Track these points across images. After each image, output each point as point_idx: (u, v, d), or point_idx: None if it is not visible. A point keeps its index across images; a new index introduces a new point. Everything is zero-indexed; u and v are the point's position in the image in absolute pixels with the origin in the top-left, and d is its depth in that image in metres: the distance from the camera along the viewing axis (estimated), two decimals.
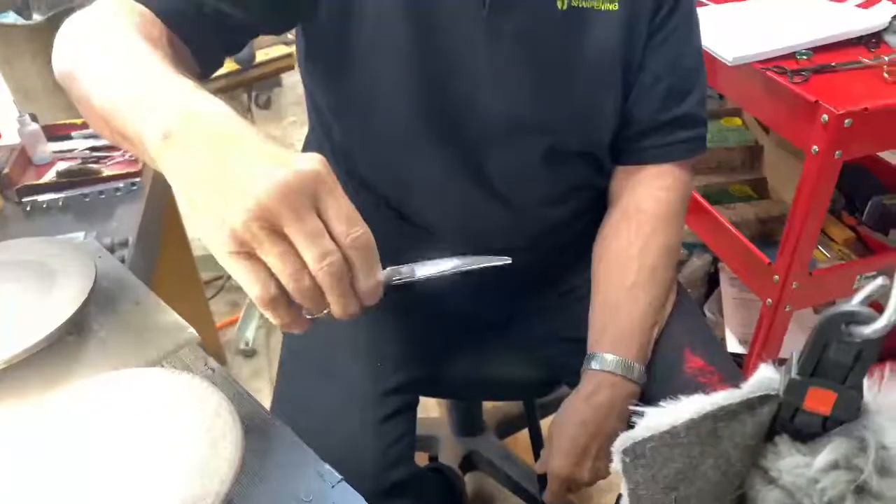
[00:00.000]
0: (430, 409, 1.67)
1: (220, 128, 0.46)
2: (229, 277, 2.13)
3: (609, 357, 0.83)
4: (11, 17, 2.57)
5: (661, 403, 0.43)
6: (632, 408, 0.44)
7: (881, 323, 0.34)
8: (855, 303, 0.35)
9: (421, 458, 1.36)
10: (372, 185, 0.88)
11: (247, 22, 0.70)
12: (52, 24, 2.54)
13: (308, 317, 0.49)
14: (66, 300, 0.58)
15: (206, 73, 0.70)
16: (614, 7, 0.79)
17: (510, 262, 0.56)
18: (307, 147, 1.02)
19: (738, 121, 1.70)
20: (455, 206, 0.87)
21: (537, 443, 1.36)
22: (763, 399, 0.39)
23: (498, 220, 0.88)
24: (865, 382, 0.38)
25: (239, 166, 0.44)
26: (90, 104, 0.55)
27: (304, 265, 0.44)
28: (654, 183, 0.90)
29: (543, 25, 0.78)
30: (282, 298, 0.46)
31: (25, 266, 0.62)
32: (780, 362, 0.41)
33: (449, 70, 0.78)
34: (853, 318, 0.35)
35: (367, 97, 0.80)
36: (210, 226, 0.45)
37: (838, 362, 0.37)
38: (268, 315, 0.47)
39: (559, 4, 0.78)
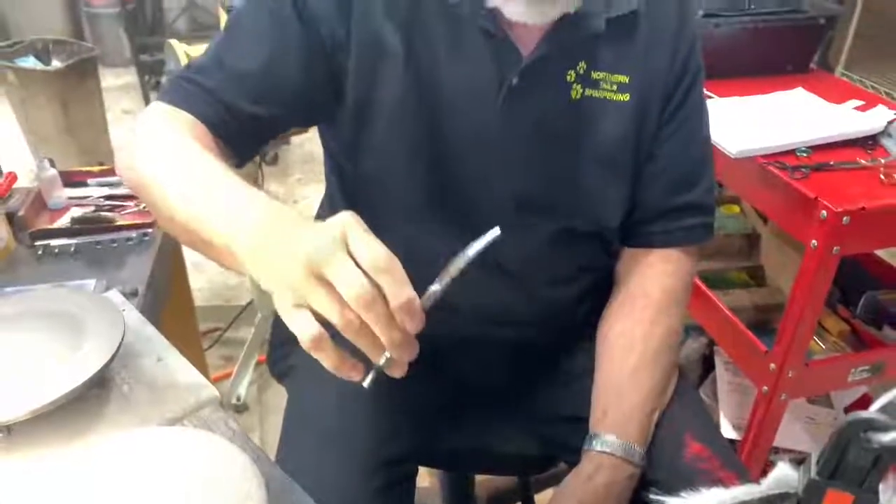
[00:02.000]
0: (421, 478, 1.64)
1: (284, 229, 0.57)
2: (226, 329, 2.12)
3: (610, 438, 0.84)
4: (31, 62, 2.64)
5: (681, 494, 0.44)
6: (652, 496, 0.46)
7: None
8: (874, 410, 0.37)
9: None
10: None
11: (279, 122, 0.80)
12: (70, 71, 2.61)
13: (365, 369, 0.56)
14: (93, 355, 0.60)
15: (242, 162, 0.80)
16: (626, 98, 0.83)
17: (499, 232, 0.62)
18: (321, 216, 1.05)
19: (736, 208, 1.75)
20: (462, 283, 0.89)
21: None
22: (783, 497, 0.41)
23: (505, 297, 0.90)
24: (881, 486, 0.39)
25: (295, 244, 0.54)
26: (171, 217, 0.65)
27: (344, 301, 0.52)
28: (659, 267, 0.92)
29: (557, 113, 0.82)
30: (327, 339, 0.53)
31: (56, 316, 0.63)
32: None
33: (461, 154, 0.82)
34: (872, 426, 0.37)
35: (379, 178, 0.84)
36: (279, 292, 0.54)
37: (857, 466, 0.39)
38: (318, 357, 0.54)
39: (573, 94, 0.82)
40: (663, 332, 0.90)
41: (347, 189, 0.92)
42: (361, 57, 0.79)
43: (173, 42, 1.67)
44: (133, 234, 1.29)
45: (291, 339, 0.98)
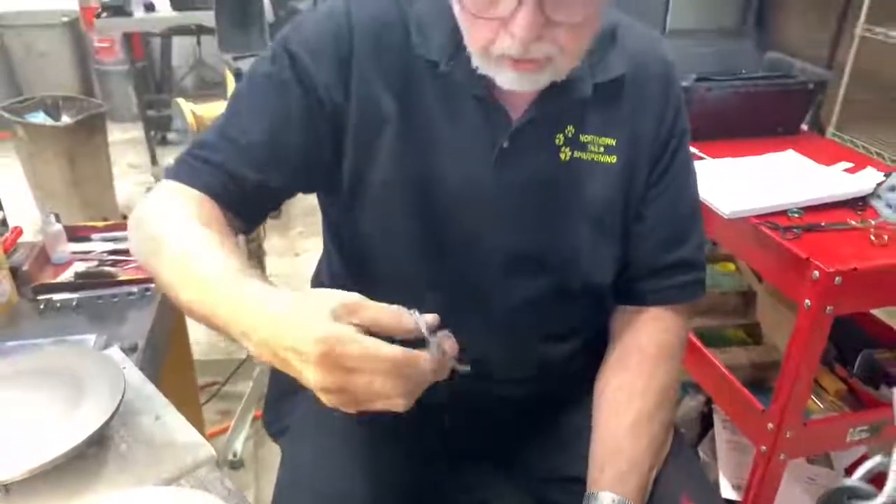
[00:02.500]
0: None
1: (289, 323, 0.60)
2: (224, 383, 2.11)
3: (608, 497, 0.83)
4: (41, 118, 2.70)
5: None
6: None
7: (880, 500, 0.37)
8: (856, 479, 0.38)
9: None
10: None
11: (284, 189, 0.84)
12: (79, 127, 2.67)
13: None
14: (93, 413, 0.60)
15: (250, 229, 0.83)
16: (613, 160, 0.86)
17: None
18: (321, 271, 1.06)
19: (731, 266, 1.76)
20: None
21: None
22: None
23: (498, 354, 0.91)
24: None
25: (306, 336, 0.58)
26: (183, 304, 0.69)
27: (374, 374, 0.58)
28: (654, 324, 0.93)
29: (547, 175, 0.85)
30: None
31: (56, 374, 0.64)
32: None
33: (455, 214, 0.84)
34: (855, 493, 0.38)
35: (376, 240, 0.87)
36: (307, 383, 0.59)
37: None
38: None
39: (562, 156, 0.84)
40: (660, 387, 0.90)
41: (345, 250, 0.94)
42: (359, 120, 0.82)
43: (181, 101, 1.71)
44: (135, 288, 1.30)
45: (287, 398, 0.99)
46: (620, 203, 0.88)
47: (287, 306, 0.62)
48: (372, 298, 0.72)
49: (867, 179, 1.35)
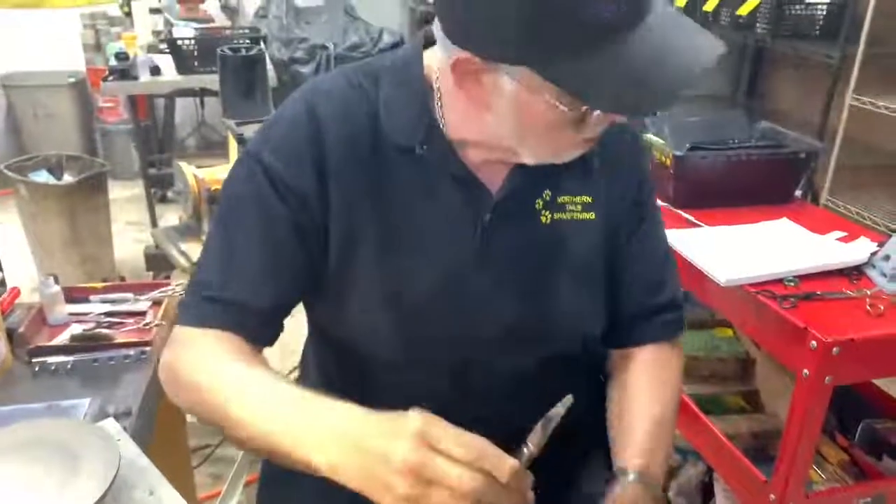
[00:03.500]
0: None
1: (363, 441, 0.62)
2: (217, 446, 2.07)
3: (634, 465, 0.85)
4: (44, 176, 2.73)
5: None
6: None
7: None
8: None
9: None
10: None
11: (293, 301, 0.85)
12: (80, 186, 2.70)
13: None
14: (86, 491, 0.59)
15: (271, 345, 0.84)
16: (592, 216, 0.89)
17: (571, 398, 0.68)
18: (307, 361, 1.06)
19: (729, 332, 1.76)
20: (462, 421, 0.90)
21: None
22: None
23: (505, 427, 0.91)
24: None
25: (382, 457, 0.59)
26: (241, 440, 0.70)
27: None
28: (649, 360, 0.95)
29: (530, 241, 0.86)
30: None
31: (52, 447, 0.64)
32: None
33: (439, 295, 0.85)
34: None
35: (360, 331, 0.87)
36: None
37: None
38: None
39: (543, 220, 0.86)
40: (669, 401, 0.93)
41: (331, 340, 0.93)
42: (341, 219, 0.82)
43: (182, 164, 1.74)
44: (131, 351, 1.29)
45: (280, 479, 0.96)
46: (603, 254, 0.91)
47: (369, 417, 0.64)
48: (362, 388, 0.75)
49: (862, 249, 1.37)
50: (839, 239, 1.45)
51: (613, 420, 0.93)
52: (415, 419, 0.60)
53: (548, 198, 0.87)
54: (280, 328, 0.87)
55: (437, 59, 0.80)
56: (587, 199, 0.89)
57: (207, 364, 0.75)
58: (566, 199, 0.88)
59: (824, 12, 2.77)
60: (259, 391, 0.70)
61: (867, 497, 1.29)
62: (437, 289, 0.84)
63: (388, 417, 0.63)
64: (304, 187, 0.80)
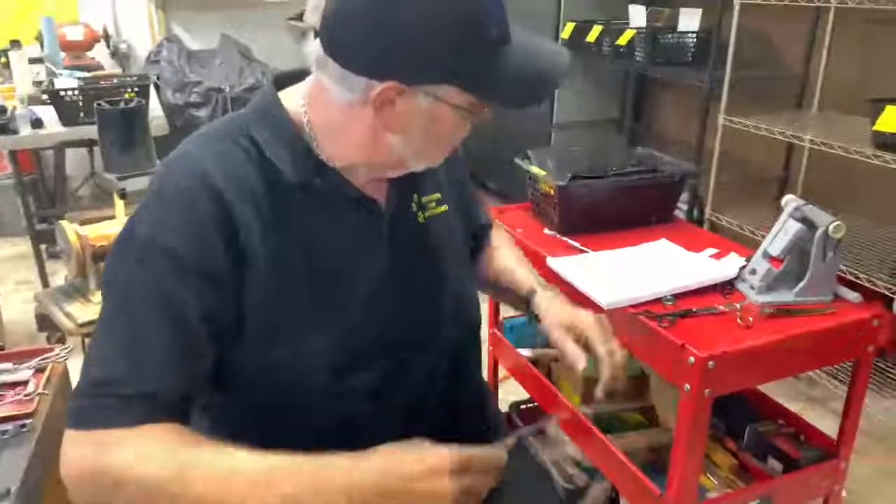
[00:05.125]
0: None
1: (410, 457, 0.74)
2: None
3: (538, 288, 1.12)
4: None
5: None
6: None
7: None
8: None
9: None
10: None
11: (212, 366, 0.82)
12: None
13: None
14: None
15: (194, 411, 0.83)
16: (445, 209, 1.03)
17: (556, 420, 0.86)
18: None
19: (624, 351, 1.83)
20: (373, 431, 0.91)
21: None
22: None
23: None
24: None
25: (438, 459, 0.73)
26: None
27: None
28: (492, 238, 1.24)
29: (419, 241, 0.98)
30: None
31: None
32: None
33: (367, 313, 0.90)
34: None
35: (285, 364, 0.86)
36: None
37: None
38: None
39: (420, 220, 0.98)
40: (514, 244, 1.28)
41: (254, 390, 0.89)
42: (264, 271, 0.82)
43: (63, 223, 1.68)
44: (9, 426, 1.23)
45: None
46: (462, 235, 1.08)
47: (388, 468, 0.73)
48: (280, 420, 0.83)
49: (732, 264, 1.46)
50: (712, 255, 1.54)
51: (497, 275, 1.18)
52: (443, 455, 0.73)
53: (417, 201, 0.98)
54: (206, 394, 0.85)
55: (313, 98, 0.86)
56: (437, 195, 1.02)
57: (163, 458, 0.70)
58: (426, 199, 1.00)
59: (694, 40, 2.95)
60: (242, 465, 0.72)
61: (755, 500, 1.36)
62: (367, 306, 0.89)
63: (415, 459, 0.73)
64: (216, 266, 0.79)
